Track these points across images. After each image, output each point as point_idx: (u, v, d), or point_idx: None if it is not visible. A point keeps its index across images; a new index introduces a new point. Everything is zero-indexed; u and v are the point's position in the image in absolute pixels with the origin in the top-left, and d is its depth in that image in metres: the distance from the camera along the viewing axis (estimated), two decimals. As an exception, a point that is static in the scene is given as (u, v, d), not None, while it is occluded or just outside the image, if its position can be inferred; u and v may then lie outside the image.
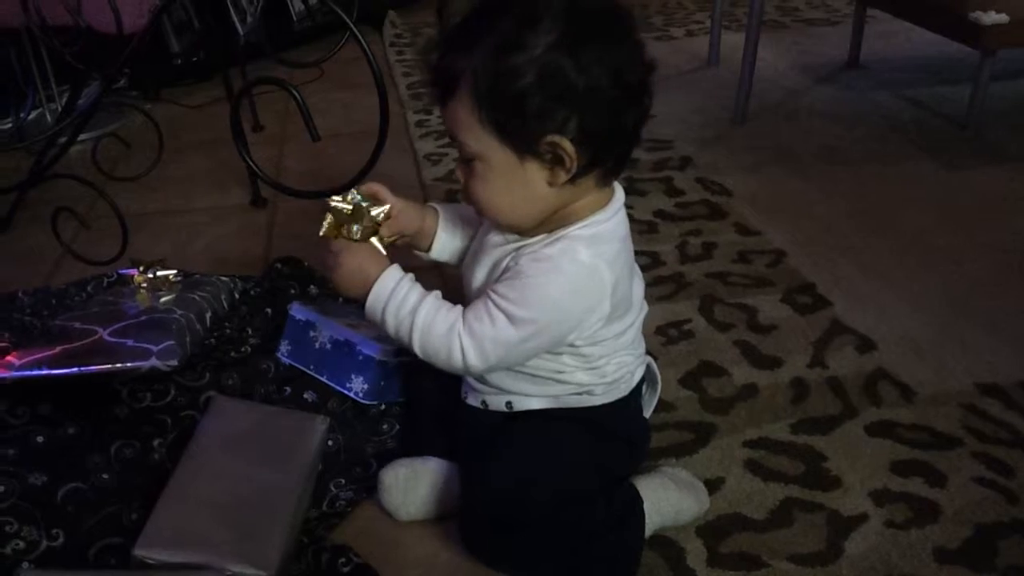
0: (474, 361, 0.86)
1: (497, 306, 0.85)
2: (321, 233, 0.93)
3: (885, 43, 2.48)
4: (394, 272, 0.90)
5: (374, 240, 0.93)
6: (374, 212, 0.93)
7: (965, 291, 1.35)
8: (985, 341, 1.23)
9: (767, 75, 2.25)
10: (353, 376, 1.12)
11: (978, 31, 1.75)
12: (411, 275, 0.91)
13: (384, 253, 0.93)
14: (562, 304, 0.85)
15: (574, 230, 0.86)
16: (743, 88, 2.01)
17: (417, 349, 0.89)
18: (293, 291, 1.34)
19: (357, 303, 0.92)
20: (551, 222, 0.87)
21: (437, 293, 0.90)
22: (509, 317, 0.84)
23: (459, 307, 0.89)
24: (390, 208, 0.94)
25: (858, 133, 1.95)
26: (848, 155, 1.85)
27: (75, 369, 1.07)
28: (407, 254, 1.00)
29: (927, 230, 1.54)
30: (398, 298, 0.89)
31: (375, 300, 0.90)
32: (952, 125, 1.97)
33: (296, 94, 1.47)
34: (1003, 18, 1.73)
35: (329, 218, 0.93)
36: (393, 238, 0.96)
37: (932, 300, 1.33)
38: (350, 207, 0.92)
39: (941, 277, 1.39)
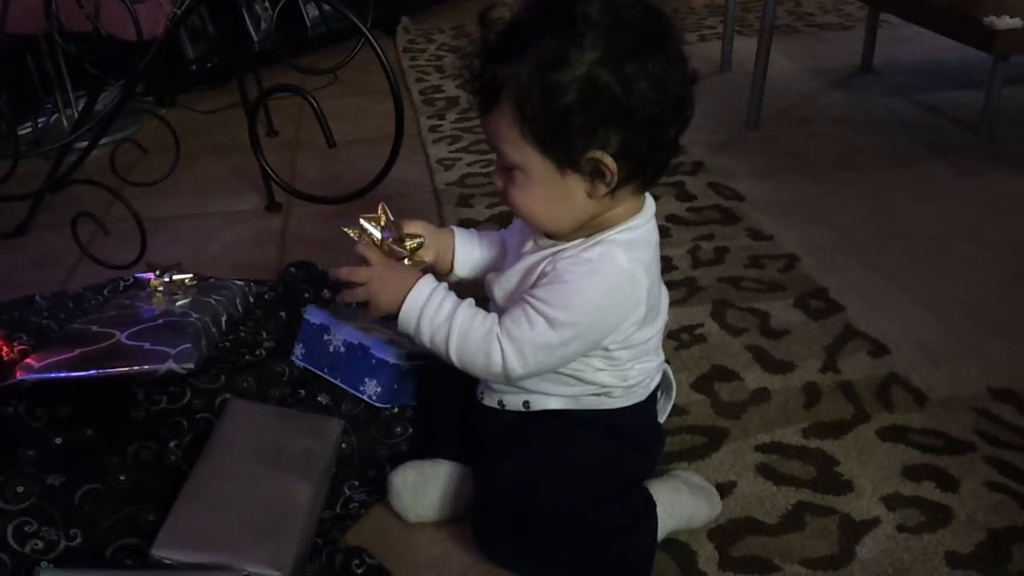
0: (514, 365, 0.87)
1: (536, 310, 0.86)
2: (359, 248, 0.95)
3: (898, 48, 2.48)
4: (428, 281, 0.91)
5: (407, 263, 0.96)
6: (408, 244, 0.96)
7: (978, 295, 1.35)
8: (998, 346, 1.23)
9: (780, 80, 2.25)
10: (367, 379, 1.12)
11: (992, 35, 1.74)
12: (444, 284, 0.92)
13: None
14: (601, 307, 0.86)
15: (612, 234, 0.87)
16: (755, 93, 2.01)
17: (454, 356, 0.89)
18: (307, 295, 1.35)
19: (391, 318, 0.93)
20: (589, 227, 0.88)
21: (471, 301, 0.91)
22: (549, 320, 0.85)
23: (494, 314, 0.89)
24: (423, 239, 0.97)
25: (871, 138, 1.95)
26: (861, 160, 1.85)
27: (93, 372, 1.08)
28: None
29: (940, 234, 1.54)
30: (433, 306, 0.89)
31: (410, 309, 0.90)
32: (965, 129, 1.96)
33: (314, 102, 1.48)
34: (1017, 23, 1.72)
35: (366, 235, 0.95)
36: (420, 264, 0.98)
37: (945, 304, 1.33)
38: (379, 233, 0.95)
39: (954, 281, 1.39)
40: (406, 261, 0.96)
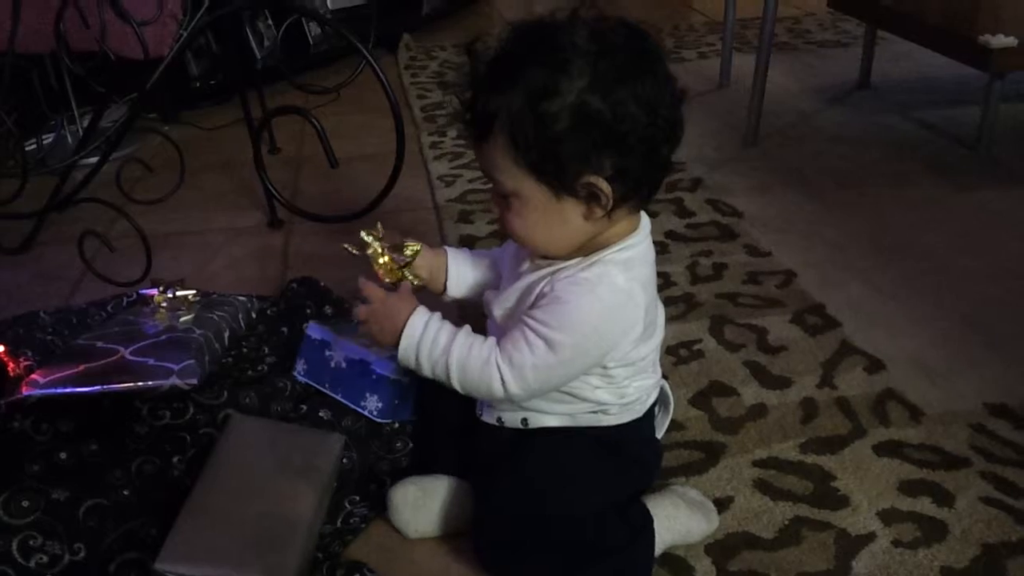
0: (515, 390, 0.88)
1: (536, 332, 0.87)
2: (380, 272, 0.99)
3: (895, 65, 2.50)
4: (421, 315, 0.93)
5: (407, 273, 0.98)
6: (408, 252, 0.98)
7: (974, 312, 1.36)
8: (994, 361, 1.24)
9: (778, 97, 2.27)
10: (368, 394, 1.13)
11: (987, 54, 1.76)
12: (438, 314, 0.94)
13: (412, 290, 0.98)
14: (600, 328, 0.87)
15: (609, 254, 0.88)
16: (754, 110, 2.03)
17: (457, 387, 0.91)
18: (309, 310, 1.36)
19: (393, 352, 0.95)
20: (585, 247, 0.89)
21: (467, 328, 0.92)
22: (548, 342, 0.86)
23: (492, 339, 0.91)
24: (419, 246, 1.00)
25: (868, 154, 1.97)
26: (858, 176, 1.86)
27: (98, 387, 1.09)
28: (431, 299, 1.03)
29: (936, 251, 1.55)
30: (428, 340, 0.91)
31: (407, 346, 0.92)
32: (962, 147, 1.98)
33: (317, 124, 1.50)
34: (1012, 41, 1.74)
35: (368, 247, 0.98)
36: (418, 280, 1.00)
37: (941, 321, 1.34)
38: (380, 246, 0.98)
39: (950, 298, 1.40)
40: (407, 273, 0.98)
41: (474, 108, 0.85)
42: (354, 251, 0.98)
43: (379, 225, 0.99)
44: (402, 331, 0.92)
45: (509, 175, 0.84)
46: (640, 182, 0.85)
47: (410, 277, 0.99)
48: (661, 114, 0.82)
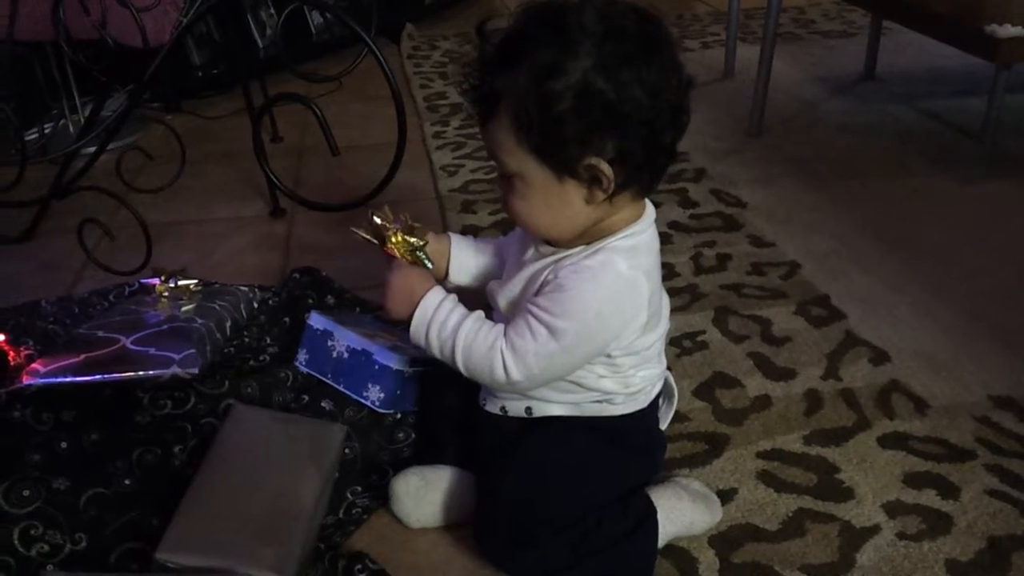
0: (517, 377, 0.88)
1: (538, 319, 0.86)
2: (394, 253, 0.98)
3: (901, 55, 2.49)
4: (436, 294, 0.93)
5: (420, 255, 0.98)
6: (416, 234, 0.98)
7: (979, 303, 1.35)
8: (999, 354, 1.23)
9: (783, 87, 2.25)
10: (370, 385, 1.13)
11: (994, 44, 1.74)
12: (453, 296, 0.94)
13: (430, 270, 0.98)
14: (603, 315, 0.87)
15: (613, 241, 0.88)
16: (758, 100, 2.02)
17: (462, 368, 0.91)
18: (311, 300, 1.35)
19: (404, 324, 0.95)
20: (589, 234, 0.89)
21: (479, 313, 0.92)
22: (550, 329, 0.86)
23: (500, 325, 0.90)
24: (424, 229, 0.99)
25: (873, 145, 1.96)
26: (863, 167, 1.85)
27: (99, 377, 1.09)
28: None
29: (941, 242, 1.54)
30: (439, 319, 0.91)
31: (418, 322, 0.92)
32: (967, 137, 1.97)
33: (317, 111, 1.49)
34: (1019, 31, 1.72)
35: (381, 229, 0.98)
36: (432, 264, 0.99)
37: (946, 312, 1.34)
38: (392, 227, 0.97)
39: (955, 289, 1.39)
40: (420, 255, 0.98)
41: (481, 88, 0.85)
42: (363, 235, 0.97)
43: (386, 209, 0.99)
44: (416, 308, 0.92)
45: (513, 155, 0.84)
46: (642, 167, 0.84)
47: (424, 259, 0.99)
48: (665, 99, 0.81)
